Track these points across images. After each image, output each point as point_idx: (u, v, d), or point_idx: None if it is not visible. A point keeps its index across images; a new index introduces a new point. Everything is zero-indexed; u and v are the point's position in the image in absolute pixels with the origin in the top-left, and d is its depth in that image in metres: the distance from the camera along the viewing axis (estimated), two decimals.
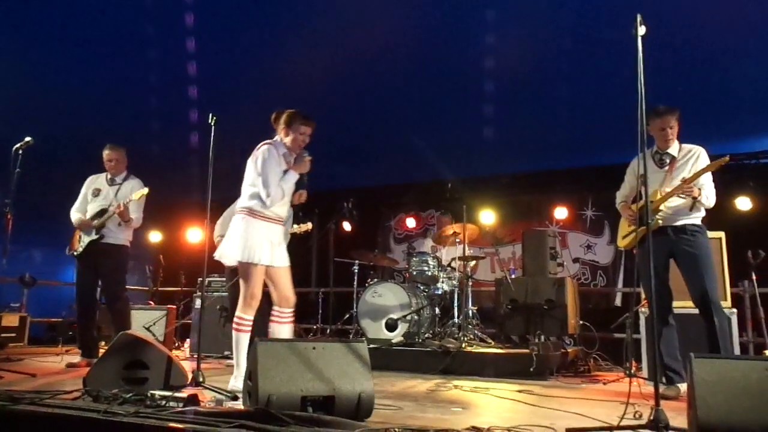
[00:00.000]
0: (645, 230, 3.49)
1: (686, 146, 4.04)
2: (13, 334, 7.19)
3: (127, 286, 5.37)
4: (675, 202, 3.91)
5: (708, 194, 3.87)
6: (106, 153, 5.26)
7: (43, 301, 8.60)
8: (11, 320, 7.24)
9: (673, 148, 4.04)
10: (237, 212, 3.86)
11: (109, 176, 5.28)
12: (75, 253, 5.22)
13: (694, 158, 3.97)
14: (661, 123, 3.95)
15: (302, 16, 5.17)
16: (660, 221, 3.90)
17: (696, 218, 3.96)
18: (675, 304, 4.04)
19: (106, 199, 5.18)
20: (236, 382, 3.52)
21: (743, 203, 6.83)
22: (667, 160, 4.02)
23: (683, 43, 4.93)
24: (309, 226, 5.63)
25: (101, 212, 5.13)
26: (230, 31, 5.41)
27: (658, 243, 3.79)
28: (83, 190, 5.33)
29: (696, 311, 3.87)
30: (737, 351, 4.46)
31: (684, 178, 3.83)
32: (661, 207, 3.90)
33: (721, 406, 2.01)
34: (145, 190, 5.07)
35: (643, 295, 4.76)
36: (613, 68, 4.72)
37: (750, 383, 2.04)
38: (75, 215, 5.23)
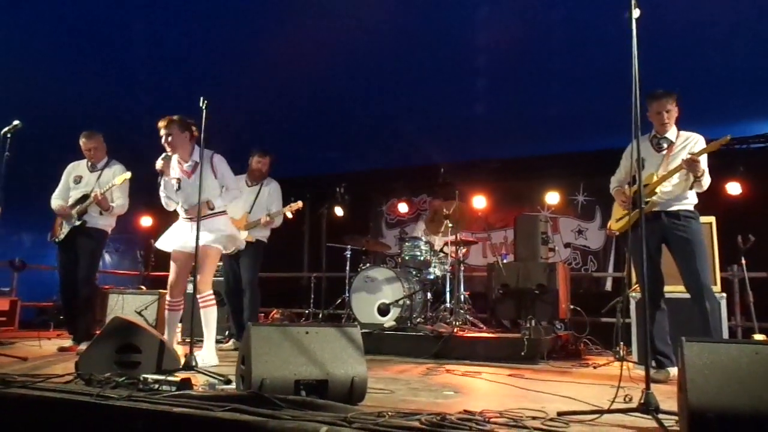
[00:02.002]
0: (638, 215, 3.51)
1: (685, 133, 4.03)
2: (4, 318, 7.17)
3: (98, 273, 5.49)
4: (669, 186, 3.92)
5: (706, 176, 3.86)
6: (82, 141, 5.18)
7: (34, 285, 8.55)
8: (2, 304, 7.21)
9: (671, 133, 4.02)
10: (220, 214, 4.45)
11: (89, 163, 5.24)
12: (57, 240, 5.19)
13: (693, 143, 3.96)
14: (658, 106, 3.95)
15: (294, 1, 5.12)
16: (655, 204, 3.89)
17: (689, 204, 3.97)
18: (666, 288, 4.07)
19: (87, 185, 5.14)
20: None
21: (734, 188, 6.86)
22: (665, 145, 4.00)
23: (676, 27, 4.92)
24: (299, 204, 5.63)
25: (83, 198, 5.09)
26: (222, 14, 5.35)
27: (651, 228, 3.79)
28: (64, 177, 5.27)
29: (687, 296, 3.91)
30: (726, 335, 4.49)
31: (687, 158, 3.77)
32: (657, 190, 3.90)
33: (711, 389, 2.03)
34: (128, 175, 4.99)
35: (634, 280, 4.78)
36: (606, 52, 4.70)
37: (740, 366, 2.06)
38: (55, 202, 5.19)
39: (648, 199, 3.88)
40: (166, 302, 4.47)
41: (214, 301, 4.40)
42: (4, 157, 4.49)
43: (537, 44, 5.58)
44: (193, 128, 4.34)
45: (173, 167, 4.41)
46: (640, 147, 3.72)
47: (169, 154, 4.35)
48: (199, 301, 4.35)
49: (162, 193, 4.43)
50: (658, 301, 3.93)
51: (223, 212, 4.48)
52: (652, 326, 3.82)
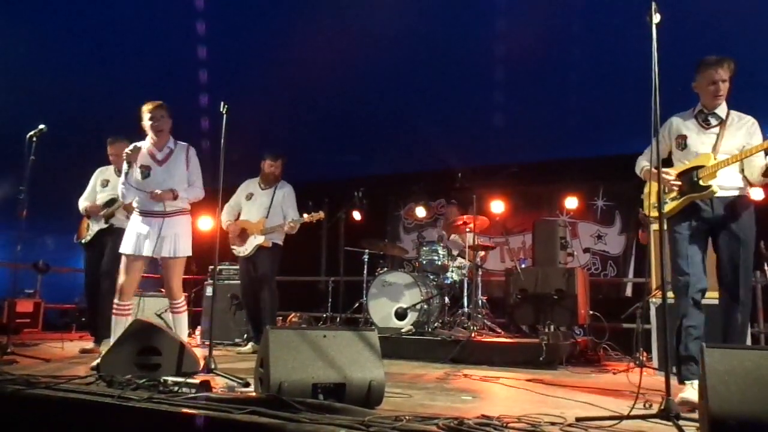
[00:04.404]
0: (687, 200, 3.26)
1: (736, 112, 3.41)
2: (28, 320, 7.30)
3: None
4: (731, 169, 3.30)
5: None
6: (109, 148, 5.27)
7: (57, 287, 8.70)
8: (26, 306, 7.34)
9: (722, 109, 3.38)
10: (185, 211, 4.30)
11: (116, 168, 5.32)
12: (83, 241, 5.27)
13: (749, 125, 3.36)
14: (713, 75, 3.28)
15: (312, 4, 5.15)
16: (714, 192, 3.24)
17: (744, 190, 3.36)
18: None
19: (115, 189, 5.21)
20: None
21: (756, 193, 6.73)
22: (714, 122, 3.36)
23: (697, 28, 4.86)
24: (321, 215, 5.61)
25: (110, 201, 5.17)
26: (240, 19, 5.41)
27: (701, 217, 3.30)
28: (91, 182, 5.37)
29: (711, 301, 3.64)
30: (749, 342, 4.41)
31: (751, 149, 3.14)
32: (717, 174, 3.26)
33: (733, 396, 2.00)
34: None
35: (654, 285, 4.71)
36: (626, 56, 4.66)
37: (762, 373, 2.03)
38: (83, 203, 5.29)
39: (709, 183, 3.24)
40: (115, 305, 4.13)
41: (186, 307, 4.36)
42: (29, 160, 4.58)
43: (556, 48, 5.56)
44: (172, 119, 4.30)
45: (142, 155, 4.24)
46: (681, 125, 3.42)
47: (152, 139, 4.23)
48: (173, 307, 4.29)
49: (123, 185, 4.20)
50: (699, 298, 3.27)
51: (188, 211, 4.34)
52: (680, 328, 3.20)
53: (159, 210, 4.15)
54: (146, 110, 4.20)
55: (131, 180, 4.17)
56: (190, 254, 4.32)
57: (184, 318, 4.28)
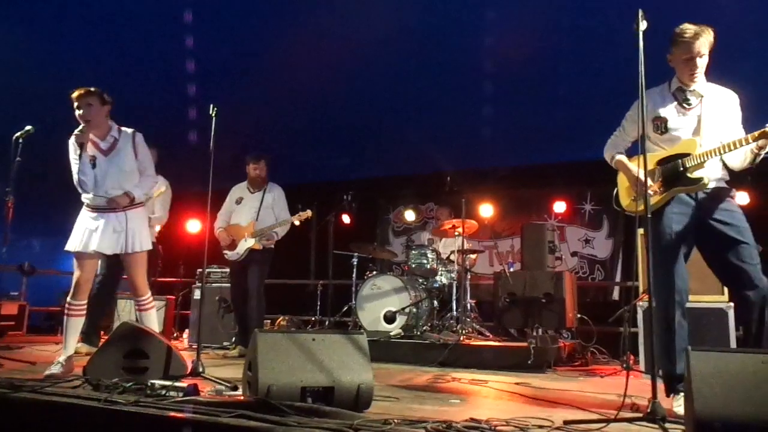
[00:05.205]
0: (673, 193, 2.95)
1: (716, 87, 3.07)
2: (12, 323, 7.21)
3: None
4: (731, 158, 3.00)
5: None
6: None
7: (42, 289, 8.61)
8: (10, 309, 7.25)
9: (701, 86, 3.03)
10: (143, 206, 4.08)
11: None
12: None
13: (730, 101, 3.05)
14: (691, 49, 2.91)
15: (301, 8, 5.16)
16: (706, 185, 2.94)
17: (725, 179, 3.06)
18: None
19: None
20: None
21: (741, 198, 6.83)
22: (695, 101, 3.02)
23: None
24: (308, 213, 5.62)
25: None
26: (231, 23, 5.41)
27: (685, 211, 2.97)
28: None
29: (702, 306, 3.51)
30: (733, 345, 4.46)
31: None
32: (705, 164, 2.93)
33: (718, 398, 2.02)
34: (163, 188, 5.08)
35: (641, 288, 4.74)
36: (613, 60, 4.71)
37: (747, 376, 2.05)
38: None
39: (700, 175, 2.93)
40: (68, 305, 3.85)
41: (153, 303, 4.14)
42: (15, 162, 4.54)
43: (545, 53, 5.60)
44: (111, 104, 3.98)
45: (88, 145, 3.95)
46: (658, 104, 3.04)
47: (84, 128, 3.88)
48: (139, 304, 4.05)
49: (76, 174, 3.88)
50: (684, 305, 2.92)
51: (142, 203, 4.09)
52: (672, 337, 2.85)
53: (111, 206, 3.88)
54: (73, 98, 3.88)
55: (86, 168, 3.85)
56: (150, 248, 4.12)
57: (152, 315, 4.08)
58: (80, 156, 3.84)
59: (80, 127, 3.87)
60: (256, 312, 5.53)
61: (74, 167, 3.90)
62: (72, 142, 3.90)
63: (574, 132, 7.12)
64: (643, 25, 2.63)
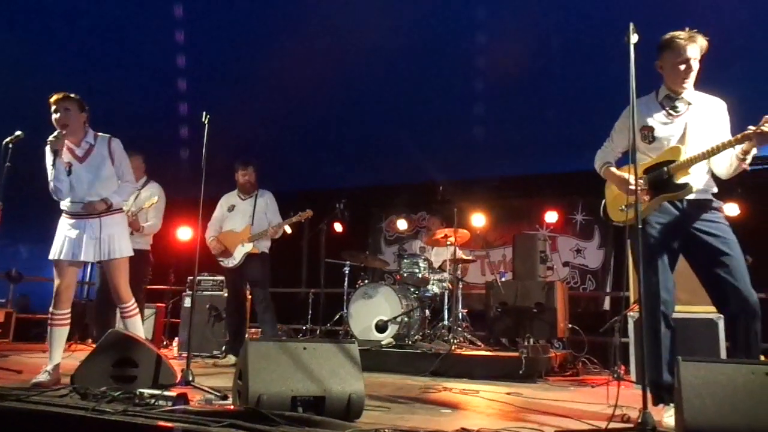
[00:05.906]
0: (659, 201, 2.93)
1: (703, 95, 3.06)
2: None
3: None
4: (701, 169, 2.97)
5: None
6: None
7: (30, 297, 8.53)
8: None
9: (689, 93, 3.01)
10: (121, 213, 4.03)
11: None
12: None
13: (717, 108, 3.02)
14: (685, 52, 2.89)
15: (294, 14, 5.18)
16: (691, 190, 2.90)
17: (713, 191, 3.02)
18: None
19: (125, 204, 5.12)
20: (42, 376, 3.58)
21: (731, 209, 6.89)
22: (682, 108, 3.00)
23: None
24: (309, 213, 5.65)
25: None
26: (223, 29, 5.41)
27: (670, 222, 2.95)
28: None
29: (692, 317, 3.54)
30: (723, 356, 4.47)
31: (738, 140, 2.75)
32: (690, 170, 2.91)
33: (707, 409, 2.03)
34: (155, 199, 5.07)
35: (632, 298, 4.75)
36: (605, 72, 4.74)
37: (736, 386, 2.06)
38: None
39: (685, 181, 2.90)
40: (51, 315, 3.78)
41: (137, 310, 4.05)
42: (4, 167, 4.49)
43: (536, 64, 5.65)
44: (88, 114, 3.96)
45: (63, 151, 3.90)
46: (645, 113, 3.03)
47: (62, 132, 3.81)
48: (122, 311, 3.98)
49: (51, 182, 3.83)
50: (670, 315, 2.90)
51: (120, 209, 4.05)
52: (658, 347, 2.84)
53: (87, 211, 3.85)
54: (51, 102, 3.84)
55: (61, 174, 3.81)
56: (132, 254, 4.04)
57: (136, 321, 4.00)
58: (54, 162, 3.80)
59: (55, 133, 3.83)
60: (270, 319, 5.57)
61: (49, 174, 3.84)
62: (47, 148, 3.85)
63: (565, 143, 7.17)
64: (634, 38, 2.65)
